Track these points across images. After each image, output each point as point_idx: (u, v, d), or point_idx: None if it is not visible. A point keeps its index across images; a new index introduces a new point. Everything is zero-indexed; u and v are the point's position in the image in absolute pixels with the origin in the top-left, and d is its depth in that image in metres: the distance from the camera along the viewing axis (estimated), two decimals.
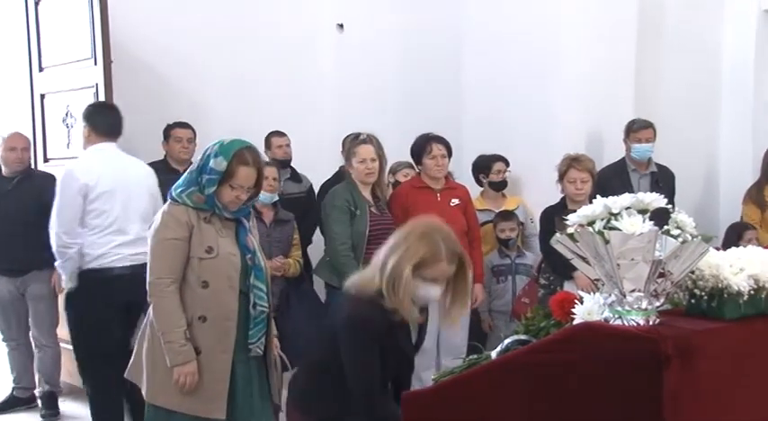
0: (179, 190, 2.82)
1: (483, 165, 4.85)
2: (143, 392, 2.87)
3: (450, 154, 4.37)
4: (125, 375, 3.00)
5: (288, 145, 5.06)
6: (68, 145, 4.70)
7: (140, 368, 2.85)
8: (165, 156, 4.72)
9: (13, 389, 4.64)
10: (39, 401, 4.59)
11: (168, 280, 2.74)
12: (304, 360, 2.73)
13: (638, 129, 4.71)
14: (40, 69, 4.86)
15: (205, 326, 2.77)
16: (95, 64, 4.41)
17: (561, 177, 4.23)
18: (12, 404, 4.57)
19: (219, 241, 2.79)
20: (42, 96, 4.88)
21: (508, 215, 4.67)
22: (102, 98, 4.37)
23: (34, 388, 4.64)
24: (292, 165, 5.10)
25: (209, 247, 2.76)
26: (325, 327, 2.59)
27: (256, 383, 2.88)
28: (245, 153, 2.79)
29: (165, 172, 4.64)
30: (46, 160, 4.84)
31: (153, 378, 2.80)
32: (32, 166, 4.66)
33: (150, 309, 2.82)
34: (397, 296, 2.25)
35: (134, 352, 2.92)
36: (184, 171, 4.51)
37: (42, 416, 4.47)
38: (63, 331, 4.60)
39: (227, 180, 2.75)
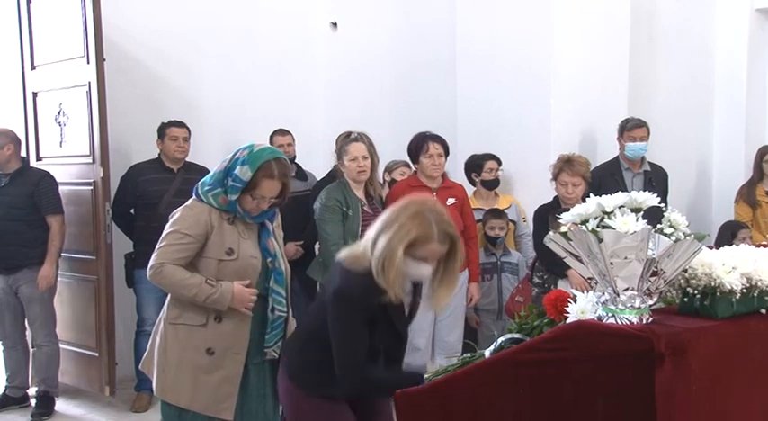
0: (206, 188, 2.78)
1: (475, 164, 4.84)
2: (153, 386, 2.85)
3: (447, 153, 4.35)
4: (139, 367, 3.00)
5: (290, 143, 5.04)
6: (61, 143, 4.68)
7: (153, 362, 2.85)
8: (160, 154, 4.68)
9: (6, 388, 4.61)
10: (33, 401, 4.55)
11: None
12: (297, 329, 2.74)
13: (631, 128, 4.71)
14: (33, 67, 4.83)
15: (220, 326, 2.76)
16: (88, 62, 4.38)
17: (554, 178, 4.23)
18: (3, 403, 4.54)
19: (241, 243, 2.77)
20: (35, 94, 4.85)
21: (498, 213, 4.67)
22: (94, 96, 4.35)
23: (27, 387, 4.61)
24: (297, 162, 5.08)
25: (229, 249, 2.74)
26: (320, 299, 2.57)
27: (270, 386, 2.86)
28: (273, 165, 2.73)
29: (160, 171, 4.62)
30: (39, 159, 4.81)
31: (164, 375, 2.79)
32: (28, 163, 4.62)
33: (167, 301, 2.81)
34: (387, 275, 2.23)
35: (148, 345, 2.92)
36: (179, 170, 4.64)
37: (32, 416, 4.40)
38: (60, 329, 4.60)
39: (250, 190, 2.71)
